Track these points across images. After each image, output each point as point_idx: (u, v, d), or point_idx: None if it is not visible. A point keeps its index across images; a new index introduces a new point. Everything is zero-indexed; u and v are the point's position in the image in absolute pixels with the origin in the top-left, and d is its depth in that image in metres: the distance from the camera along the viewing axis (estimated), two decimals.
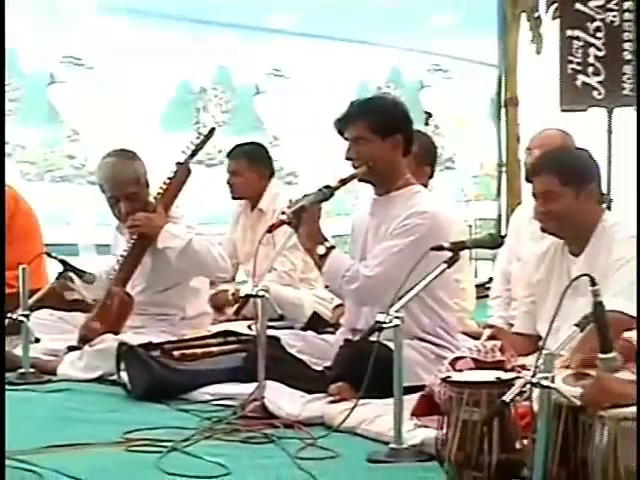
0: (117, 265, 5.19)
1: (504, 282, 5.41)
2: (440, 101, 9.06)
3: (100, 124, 6.99)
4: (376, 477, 3.24)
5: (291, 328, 5.08)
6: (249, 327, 4.98)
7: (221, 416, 3.95)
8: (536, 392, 2.79)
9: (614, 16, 7.76)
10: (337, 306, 5.39)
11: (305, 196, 4.24)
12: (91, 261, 6.25)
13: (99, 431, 3.76)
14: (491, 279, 6.05)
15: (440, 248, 3.66)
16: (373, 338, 3.43)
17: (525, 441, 2.97)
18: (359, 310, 4.37)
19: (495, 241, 4.00)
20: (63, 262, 4.91)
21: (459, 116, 9.28)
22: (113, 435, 3.68)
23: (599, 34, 7.78)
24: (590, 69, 7.80)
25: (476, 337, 4.54)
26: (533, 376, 2.73)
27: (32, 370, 4.73)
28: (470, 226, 8.16)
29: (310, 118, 7.83)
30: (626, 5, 7.74)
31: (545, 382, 2.71)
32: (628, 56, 7.72)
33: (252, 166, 6.27)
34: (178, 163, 5.19)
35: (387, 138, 4.28)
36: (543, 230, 4.02)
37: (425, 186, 4.76)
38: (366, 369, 3.44)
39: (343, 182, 4.28)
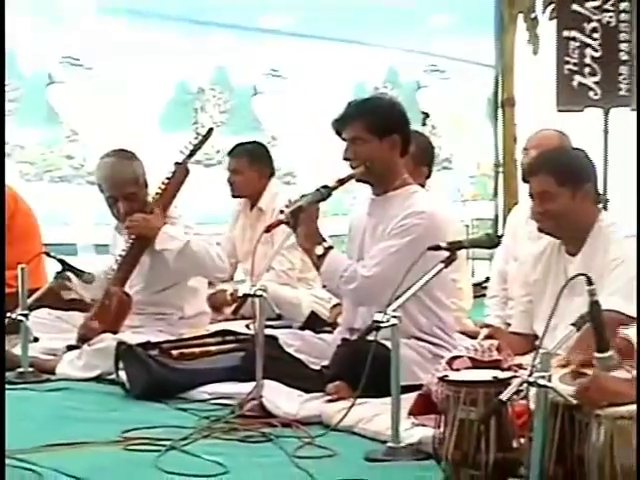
0: (115, 265, 5.19)
1: (501, 282, 5.42)
2: (437, 101, 9.07)
3: (99, 124, 6.99)
4: (374, 476, 3.24)
5: (289, 327, 5.08)
6: (247, 326, 5.01)
7: (219, 415, 3.96)
8: (533, 391, 2.80)
9: (610, 17, 7.78)
10: (335, 305, 5.40)
11: (303, 196, 4.25)
12: (90, 261, 6.24)
13: (98, 430, 3.77)
14: (488, 279, 6.05)
15: (437, 248, 3.68)
16: (370, 337, 3.44)
17: (522, 440, 2.98)
18: (356, 310, 4.38)
19: (492, 241, 4.02)
20: (62, 262, 4.92)
21: (456, 116, 9.28)
22: (112, 434, 3.69)
23: (595, 35, 7.80)
24: (587, 70, 7.83)
25: (473, 336, 4.56)
26: (530, 375, 2.74)
27: (31, 369, 4.73)
28: (467, 226, 8.15)
29: (308, 118, 7.84)
30: (622, 6, 7.76)
31: (542, 381, 2.72)
32: (624, 57, 7.75)
33: (253, 165, 6.28)
34: (176, 163, 5.19)
35: (384, 138, 4.28)
36: (540, 230, 4.04)
37: (422, 186, 4.77)
38: (363, 368, 3.45)
39: (341, 182, 4.29)
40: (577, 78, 7.84)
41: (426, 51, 9.03)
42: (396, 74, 8.86)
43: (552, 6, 8.63)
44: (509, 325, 4.47)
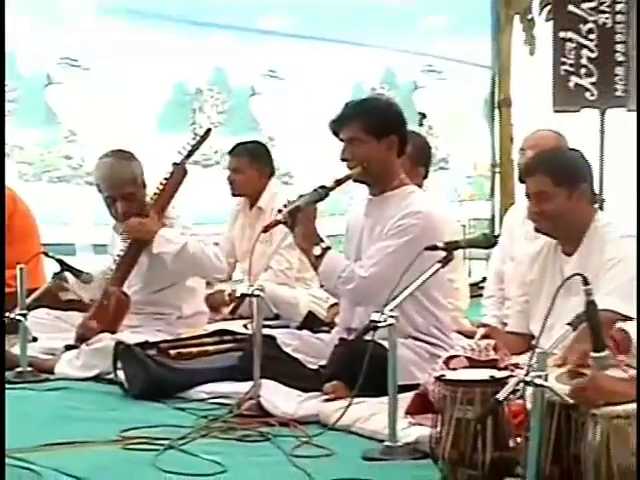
0: (114, 265, 5.20)
1: (497, 281, 5.43)
2: (434, 102, 9.07)
3: (97, 125, 6.98)
4: (371, 475, 3.24)
5: (286, 327, 5.08)
6: (245, 326, 5.02)
7: (217, 414, 3.97)
8: (529, 390, 2.81)
9: (606, 18, 7.79)
10: (332, 305, 5.41)
11: (300, 196, 4.26)
12: (88, 261, 6.24)
13: (96, 429, 3.78)
14: (484, 278, 6.06)
15: (434, 248, 3.69)
16: (368, 337, 3.45)
17: (518, 439, 2.99)
18: (354, 309, 4.39)
19: (489, 241, 4.03)
20: (60, 262, 4.93)
21: (453, 117, 9.28)
22: (110, 433, 3.70)
23: (592, 36, 7.81)
24: (583, 70, 7.83)
25: (470, 336, 4.57)
26: (526, 374, 2.75)
27: (30, 369, 4.73)
28: (464, 226, 8.18)
29: (305, 119, 7.84)
30: (618, 7, 7.77)
31: (538, 380, 2.73)
32: (620, 58, 7.76)
33: (253, 164, 6.29)
34: (175, 164, 5.20)
35: (382, 139, 4.29)
36: (536, 230, 4.05)
37: (419, 186, 4.78)
38: (361, 368, 3.46)
39: (338, 182, 4.30)
40: (573, 79, 7.85)
41: (423, 52, 9.02)
42: (393, 75, 8.86)
43: (548, 7, 8.64)
44: (506, 325, 4.47)
